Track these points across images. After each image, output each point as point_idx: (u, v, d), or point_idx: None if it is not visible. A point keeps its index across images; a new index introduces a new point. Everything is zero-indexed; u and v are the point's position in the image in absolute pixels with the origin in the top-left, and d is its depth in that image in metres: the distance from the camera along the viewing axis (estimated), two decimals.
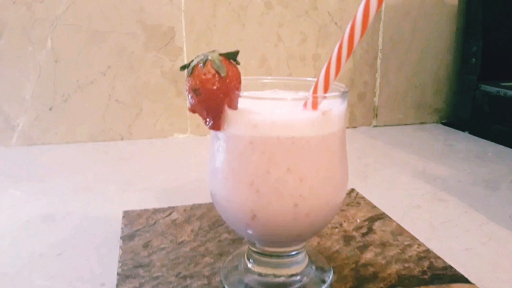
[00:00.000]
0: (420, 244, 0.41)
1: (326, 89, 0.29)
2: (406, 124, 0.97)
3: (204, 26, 0.82)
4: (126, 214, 0.47)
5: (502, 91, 0.85)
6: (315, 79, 0.33)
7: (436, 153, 0.79)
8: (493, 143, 0.84)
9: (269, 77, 0.37)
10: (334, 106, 0.30)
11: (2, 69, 0.77)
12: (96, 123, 0.82)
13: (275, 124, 0.28)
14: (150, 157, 0.75)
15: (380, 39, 0.91)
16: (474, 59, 0.92)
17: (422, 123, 0.99)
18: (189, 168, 0.68)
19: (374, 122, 0.96)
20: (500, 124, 0.86)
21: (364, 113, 0.94)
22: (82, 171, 0.67)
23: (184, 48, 0.82)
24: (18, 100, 0.78)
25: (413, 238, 0.42)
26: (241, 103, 0.29)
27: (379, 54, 0.92)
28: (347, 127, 0.93)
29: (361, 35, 0.26)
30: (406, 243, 0.41)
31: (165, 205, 0.50)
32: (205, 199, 0.52)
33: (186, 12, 0.81)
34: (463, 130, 0.92)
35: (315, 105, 0.29)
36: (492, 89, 0.87)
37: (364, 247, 0.40)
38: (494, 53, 0.91)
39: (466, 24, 0.93)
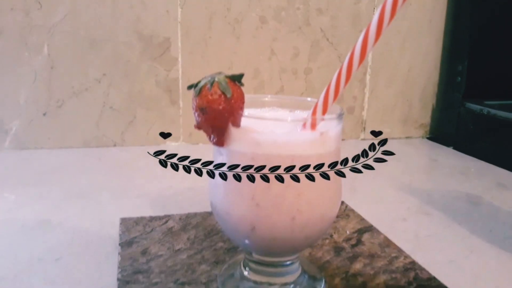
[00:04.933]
0: (406, 256, 0.43)
1: (324, 111, 0.31)
2: (392, 138, 1.00)
3: (200, 38, 0.84)
4: (123, 221, 0.48)
5: (486, 109, 0.88)
6: (312, 100, 0.35)
7: (422, 167, 0.82)
8: (476, 159, 0.87)
9: (268, 96, 0.39)
10: (331, 127, 0.32)
11: None
12: (89, 129, 0.83)
13: (276, 143, 0.30)
14: (143, 164, 0.76)
15: (370, 56, 0.94)
16: (459, 78, 0.95)
17: (408, 137, 1.02)
18: (182, 176, 0.70)
19: (362, 135, 0.98)
20: (483, 141, 0.89)
21: (353, 126, 0.97)
22: (76, 177, 0.68)
23: (179, 59, 0.84)
24: (12, 105, 0.79)
25: (399, 250, 0.45)
26: (244, 121, 0.31)
27: (369, 70, 0.94)
28: None
29: (359, 64, 0.29)
30: (393, 255, 0.44)
31: (159, 213, 0.51)
32: (198, 208, 0.54)
33: (182, 24, 0.82)
34: (448, 145, 0.96)
35: (313, 126, 0.31)
36: (476, 107, 0.91)
37: (353, 258, 0.43)
38: (479, 73, 0.95)
39: (452, 44, 0.97)
